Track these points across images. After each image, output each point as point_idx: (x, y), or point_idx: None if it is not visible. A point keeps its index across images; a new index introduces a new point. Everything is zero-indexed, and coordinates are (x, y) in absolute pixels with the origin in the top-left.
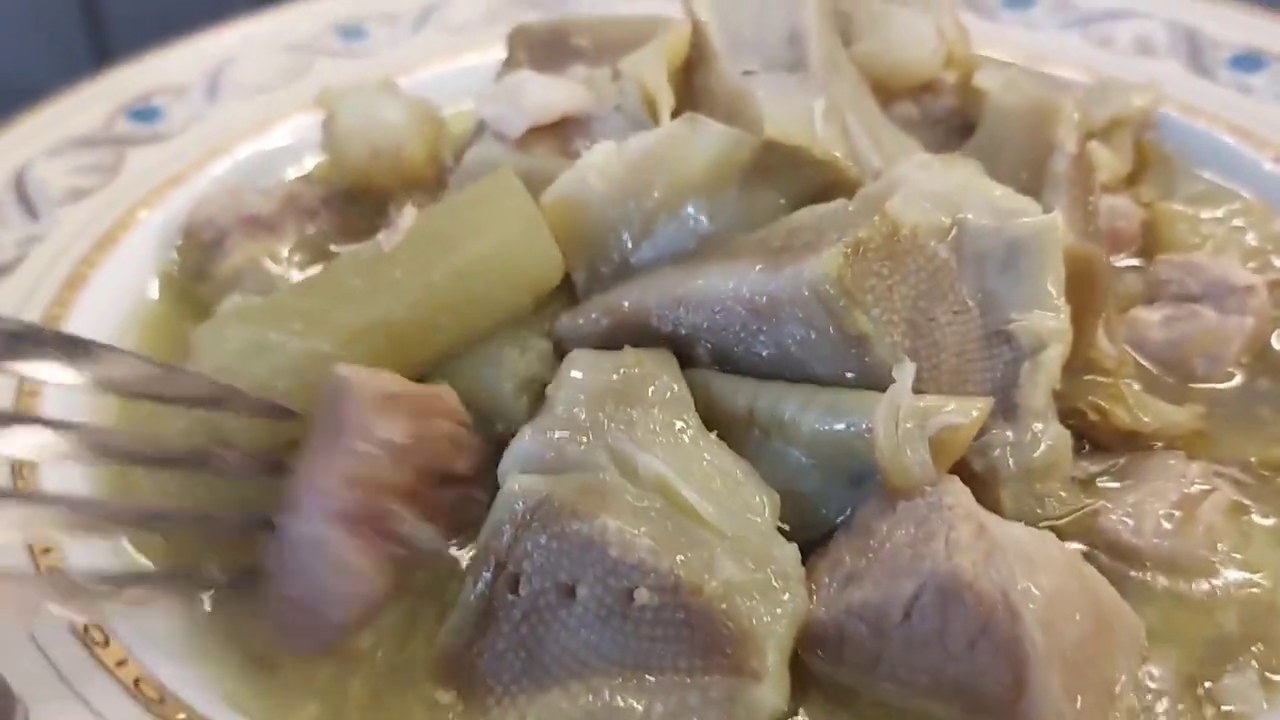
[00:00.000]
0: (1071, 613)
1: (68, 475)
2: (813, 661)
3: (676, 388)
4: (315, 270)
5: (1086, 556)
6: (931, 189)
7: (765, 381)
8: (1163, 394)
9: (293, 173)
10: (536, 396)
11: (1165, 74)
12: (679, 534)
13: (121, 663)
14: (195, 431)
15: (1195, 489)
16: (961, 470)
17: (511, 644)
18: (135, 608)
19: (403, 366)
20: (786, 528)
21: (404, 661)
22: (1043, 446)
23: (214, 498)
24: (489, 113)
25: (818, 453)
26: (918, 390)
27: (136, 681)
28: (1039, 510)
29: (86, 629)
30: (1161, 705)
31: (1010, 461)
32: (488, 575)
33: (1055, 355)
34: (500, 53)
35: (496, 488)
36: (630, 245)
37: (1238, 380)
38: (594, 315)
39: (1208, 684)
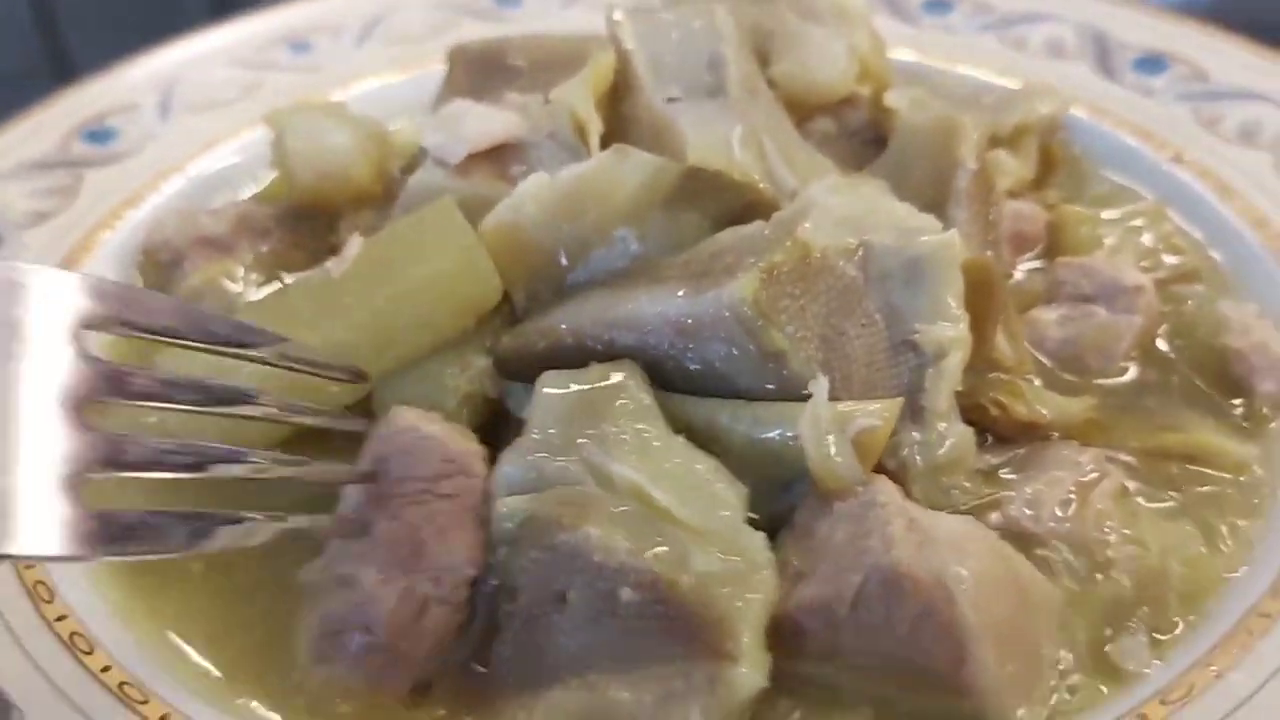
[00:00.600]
0: (998, 590)
1: None
2: (778, 658)
3: (642, 395)
4: (271, 288)
5: None
6: (840, 212)
7: (697, 398)
8: (1060, 388)
9: (249, 188)
10: (476, 411)
11: (1075, 76)
12: (655, 534)
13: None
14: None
15: (1089, 476)
16: (876, 470)
17: (515, 650)
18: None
19: (351, 386)
20: (756, 516)
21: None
22: (947, 444)
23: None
24: (431, 142)
25: (750, 461)
26: (833, 399)
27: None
28: (946, 502)
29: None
30: (1072, 669)
31: (918, 459)
32: (489, 591)
33: (956, 361)
34: (442, 65)
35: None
36: (566, 266)
37: (1130, 374)
38: (532, 338)
39: (1107, 648)
